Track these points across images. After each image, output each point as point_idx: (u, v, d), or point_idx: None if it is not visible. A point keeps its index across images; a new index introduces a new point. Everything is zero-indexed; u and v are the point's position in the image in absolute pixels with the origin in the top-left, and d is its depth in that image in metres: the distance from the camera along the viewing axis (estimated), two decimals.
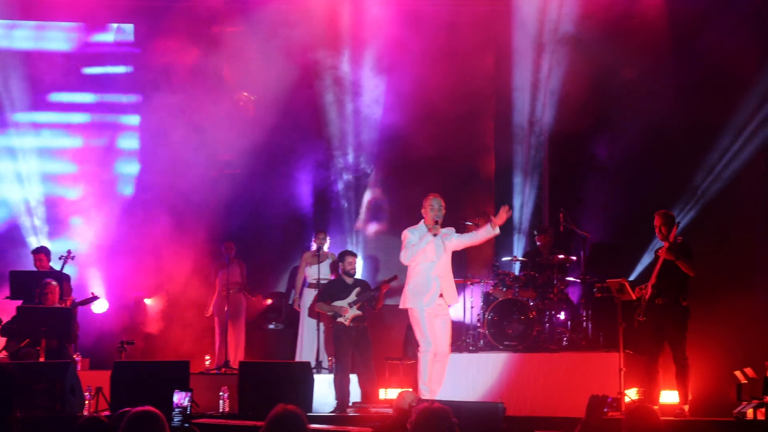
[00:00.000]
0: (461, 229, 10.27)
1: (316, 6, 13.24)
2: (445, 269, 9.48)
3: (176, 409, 7.68)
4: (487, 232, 9.44)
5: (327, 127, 13.74)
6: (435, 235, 9.35)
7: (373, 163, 13.82)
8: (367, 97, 13.59)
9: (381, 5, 13.26)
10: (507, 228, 13.04)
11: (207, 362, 12.10)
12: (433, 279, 9.36)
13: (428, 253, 9.38)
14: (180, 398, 7.73)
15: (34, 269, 11.94)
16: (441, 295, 9.37)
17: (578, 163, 13.14)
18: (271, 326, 13.26)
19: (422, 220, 9.51)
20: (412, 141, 13.23)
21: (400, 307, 9.64)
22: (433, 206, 9.46)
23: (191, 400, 7.89)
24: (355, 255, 11.34)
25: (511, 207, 10.20)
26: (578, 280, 11.64)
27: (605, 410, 6.35)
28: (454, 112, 13.22)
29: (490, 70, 13.77)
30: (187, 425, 7.49)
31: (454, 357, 10.59)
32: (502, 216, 9.35)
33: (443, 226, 9.47)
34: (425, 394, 9.07)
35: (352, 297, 10.74)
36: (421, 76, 12.99)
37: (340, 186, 13.80)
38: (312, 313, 11.89)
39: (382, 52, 13.38)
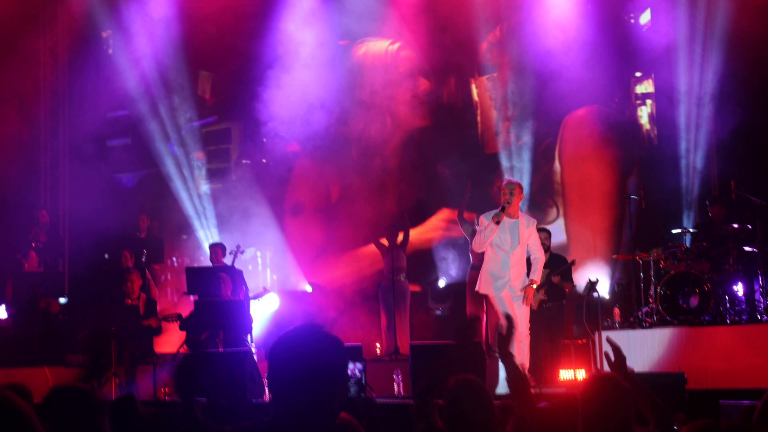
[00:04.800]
0: None
1: None
2: (517, 259, 9.36)
3: (351, 380, 7.75)
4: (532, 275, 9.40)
5: None
6: (497, 222, 9.18)
7: None
8: None
9: None
10: (675, 200, 12.69)
11: (378, 350, 12.21)
12: (504, 267, 9.29)
13: (500, 241, 9.30)
14: (353, 369, 7.79)
15: (209, 264, 12.37)
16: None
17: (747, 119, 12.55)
18: (438, 312, 13.28)
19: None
20: None
21: (477, 290, 9.64)
22: (503, 191, 9.37)
23: (363, 372, 7.95)
24: (546, 231, 11.24)
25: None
26: (755, 250, 11.13)
27: None
28: None
29: None
30: (363, 394, 7.54)
31: (627, 333, 10.37)
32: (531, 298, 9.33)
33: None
34: None
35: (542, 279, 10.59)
36: None
37: None
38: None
39: None
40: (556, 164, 13.98)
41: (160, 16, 14.08)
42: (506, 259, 9.32)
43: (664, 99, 13.37)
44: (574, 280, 11.33)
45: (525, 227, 9.38)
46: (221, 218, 14.30)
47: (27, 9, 13.81)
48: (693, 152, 12.87)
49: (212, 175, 14.91)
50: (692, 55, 12.93)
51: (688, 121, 12.94)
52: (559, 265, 11.10)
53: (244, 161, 15.01)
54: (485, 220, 9.31)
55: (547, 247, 11.01)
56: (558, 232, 13.58)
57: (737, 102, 12.42)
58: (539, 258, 9.55)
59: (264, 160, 14.81)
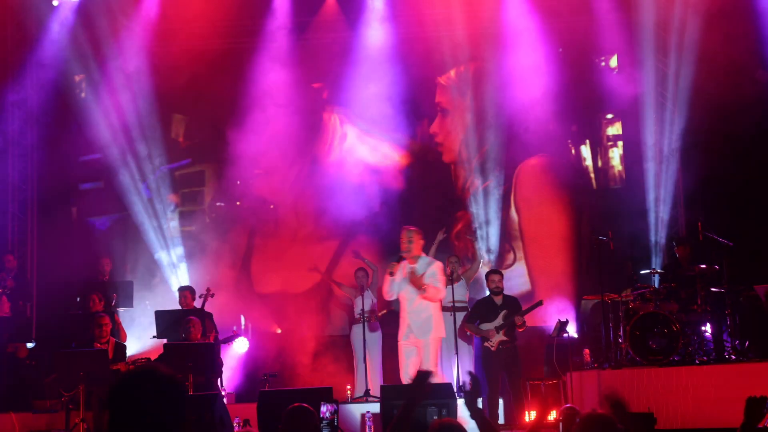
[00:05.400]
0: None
1: None
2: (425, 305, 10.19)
3: (323, 421, 7.75)
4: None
5: None
6: (391, 273, 9.83)
7: None
8: None
9: None
10: (643, 240, 12.85)
11: (348, 392, 12.17)
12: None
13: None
14: (324, 410, 7.81)
15: (178, 308, 12.32)
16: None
17: (712, 169, 12.78)
18: None
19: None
20: None
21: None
22: (402, 239, 10.14)
23: (335, 413, 7.97)
24: (499, 273, 11.35)
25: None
26: (722, 290, 11.23)
27: (765, 412, 6.11)
28: None
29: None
30: None
31: (597, 374, 10.43)
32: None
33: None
34: None
35: (499, 321, 10.72)
36: None
37: None
38: (462, 333, 11.85)
39: None
40: (512, 211, 14.16)
41: (132, 62, 14.14)
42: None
43: (632, 145, 13.62)
44: (542, 320, 11.44)
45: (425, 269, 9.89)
46: (193, 260, 14.27)
47: None
48: (660, 198, 13.08)
49: (185, 217, 14.88)
50: (659, 104, 13.19)
51: (657, 169, 13.16)
52: (516, 307, 11.14)
53: (217, 203, 15.01)
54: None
55: (500, 290, 11.20)
56: (519, 279, 13.82)
57: (703, 152, 12.68)
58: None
59: (238, 203, 14.82)
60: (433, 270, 10.20)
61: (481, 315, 10.92)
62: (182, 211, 14.94)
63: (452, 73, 14.28)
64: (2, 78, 13.99)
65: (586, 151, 14.20)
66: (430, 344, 10.16)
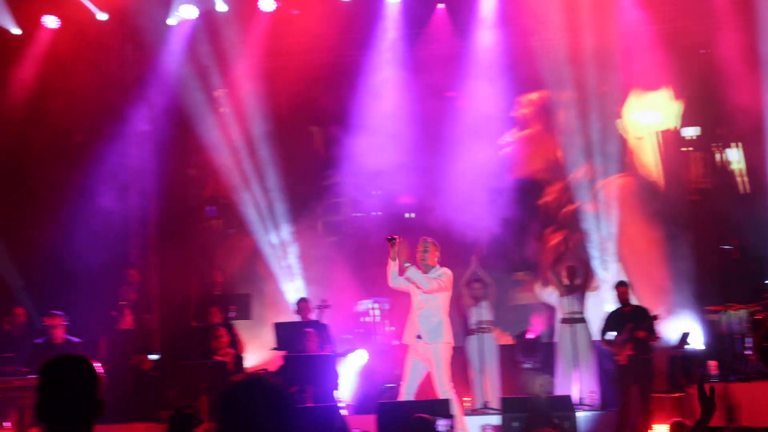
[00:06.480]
0: None
1: None
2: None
3: None
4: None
5: None
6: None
7: None
8: None
9: None
10: None
11: (466, 403, 12.06)
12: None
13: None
14: (441, 425, 7.77)
15: (295, 319, 12.45)
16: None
17: None
18: (527, 365, 13.07)
19: None
20: None
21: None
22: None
23: (452, 427, 7.92)
24: (626, 285, 11.17)
25: None
26: None
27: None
28: None
29: None
30: None
31: (724, 387, 10.10)
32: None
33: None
34: None
35: (624, 334, 10.53)
36: None
37: None
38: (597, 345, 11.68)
39: None
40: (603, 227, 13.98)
41: (247, 77, 14.39)
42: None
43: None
44: (659, 332, 11.16)
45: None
46: (310, 272, 14.40)
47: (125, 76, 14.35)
48: None
49: (328, 228, 15.06)
50: None
51: None
52: (642, 319, 10.95)
53: (355, 214, 15.13)
54: None
55: (627, 301, 11.13)
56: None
57: None
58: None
59: (378, 213, 14.90)
60: (440, 272, 10.10)
61: (611, 327, 10.74)
62: (324, 221, 15.10)
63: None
64: (123, 94, 14.41)
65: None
66: (441, 349, 10.04)
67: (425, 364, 9.88)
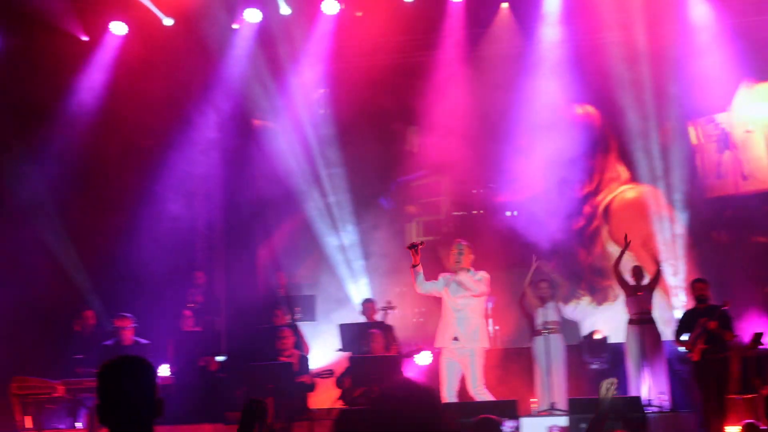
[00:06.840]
0: None
1: None
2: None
3: None
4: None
5: None
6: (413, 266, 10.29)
7: None
8: None
9: None
10: None
11: (533, 405, 11.94)
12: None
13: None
14: (508, 426, 7.78)
15: (360, 320, 12.45)
16: None
17: None
18: (594, 366, 12.87)
19: None
20: None
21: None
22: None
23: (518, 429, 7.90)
24: (703, 281, 11.03)
25: None
26: None
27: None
28: None
29: None
30: None
31: None
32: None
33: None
34: None
35: (696, 330, 10.32)
36: None
37: None
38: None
39: None
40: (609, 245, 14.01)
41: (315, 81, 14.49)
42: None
43: None
44: (734, 328, 10.92)
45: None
46: (375, 273, 14.40)
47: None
48: None
49: (425, 227, 15.09)
50: None
51: None
52: (716, 314, 10.72)
53: (454, 213, 15.10)
54: None
55: (705, 298, 10.94)
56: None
57: None
58: None
59: (479, 211, 14.83)
60: (479, 276, 10.14)
61: (685, 327, 10.55)
62: (419, 221, 15.11)
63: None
64: (190, 100, 14.58)
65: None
66: (479, 353, 10.06)
67: (460, 365, 9.93)
